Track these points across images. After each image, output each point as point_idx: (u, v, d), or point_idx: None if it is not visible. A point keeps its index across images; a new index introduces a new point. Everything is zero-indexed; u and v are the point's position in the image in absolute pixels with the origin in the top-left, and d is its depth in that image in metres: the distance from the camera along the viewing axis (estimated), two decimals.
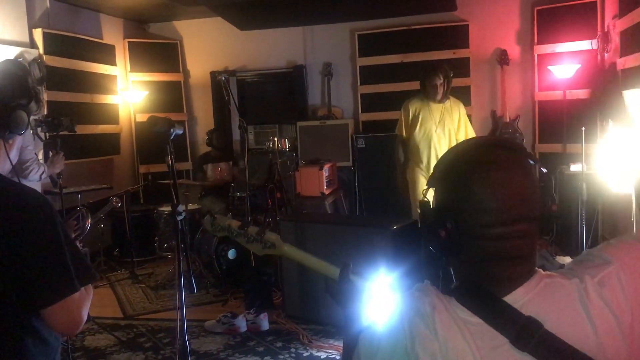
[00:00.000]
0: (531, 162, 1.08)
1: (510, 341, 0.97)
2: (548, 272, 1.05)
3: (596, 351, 0.96)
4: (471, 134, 4.89)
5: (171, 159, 2.38)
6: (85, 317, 1.46)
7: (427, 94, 4.78)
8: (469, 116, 6.54)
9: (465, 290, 1.05)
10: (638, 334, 0.98)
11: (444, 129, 4.79)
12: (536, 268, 1.06)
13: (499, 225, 1.02)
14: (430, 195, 1.15)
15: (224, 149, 6.48)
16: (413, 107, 4.90)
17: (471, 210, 1.03)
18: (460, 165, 1.07)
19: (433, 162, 4.79)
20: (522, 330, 0.96)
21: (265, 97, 7.72)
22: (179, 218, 2.37)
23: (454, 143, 4.77)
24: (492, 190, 1.02)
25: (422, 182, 4.90)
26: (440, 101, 4.77)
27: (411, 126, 4.89)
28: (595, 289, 0.99)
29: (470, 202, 1.03)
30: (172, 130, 2.32)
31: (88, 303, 1.49)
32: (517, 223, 1.02)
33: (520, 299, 1.01)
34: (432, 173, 1.13)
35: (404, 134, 4.95)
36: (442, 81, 4.69)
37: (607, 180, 4.19)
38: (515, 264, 1.04)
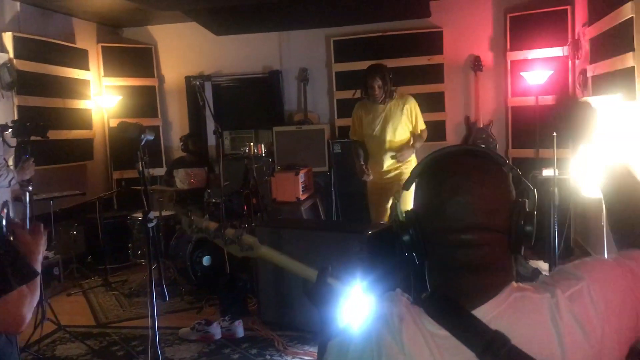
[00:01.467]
0: (508, 171, 1.09)
1: (477, 355, 0.96)
2: (520, 285, 1.04)
3: None
4: (420, 126, 4.88)
5: (142, 165, 2.35)
6: (27, 315, 1.50)
7: (368, 96, 4.80)
8: (443, 121, 6.64)
9: (434, 302, 1.04)
10: (608, 349, 0.98)
11: (389, 128, 4.80)
12: (510, 281, 1.04)
13: (455, 232, 1.02)
14: (408, 198, 1.16)
15: (199, 154, 6.44)
16: (360, 110, 4.95)
17: (431, 215, 1.05)
18: (428, 171, 1.10)
19: (383, 162, 4.87)
20: (488, 344, 0.95)
21: (241, 102, 7.69)
22: (150, 225, 2.34)
23: (406, 139, 4.84)
24: (449, 197, 1.03)
25: (374, 185, 4.95)
26: (382, 102, 4.79)
27: (361, 128, 4.94)
28: (566, 304, 0.98)
29: (431, 208, 1.05)
30: (142, 135, 2.29)
31: (31, 300, 1.51)
32: (475, 231, 1.02)
33: (489, 312, 1.00)
34: (408, 177, 1.15)
35: (356, 137, 5.02)
36: (379, 82, 4.68)
37: (579, 185, 4.25)
38: (478, 275, 1.03)
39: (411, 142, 4.85)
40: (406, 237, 1.09)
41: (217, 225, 1.42)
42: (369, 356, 1.02)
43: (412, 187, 1.16)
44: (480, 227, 1.02)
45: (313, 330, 3.96)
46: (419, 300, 1.06)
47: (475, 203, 1.02)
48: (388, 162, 4.88)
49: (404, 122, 4.82)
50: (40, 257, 1.66)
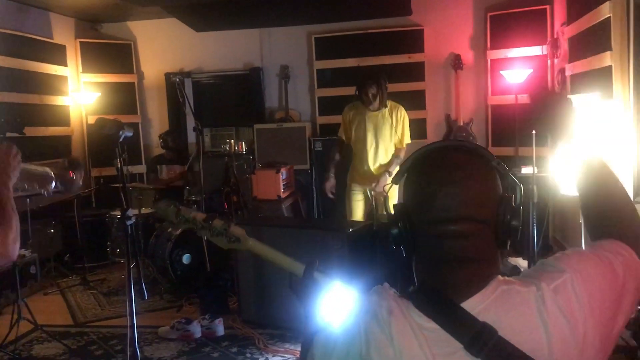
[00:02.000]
0: (495, 166, 1.11)
1: (464, 347, 0.97)
2: (506, 279, 1.06)
3: (547, 359, 0.97)
4: (406, 139, 4.85)
5: (120, 162, 2.32)
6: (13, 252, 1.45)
7: (362, 101, 4.76)
8: (424, 119, 6.67)
9: (422, 294, 1.05)
10: (590, 342, 1.00)
11: (378, 136, 4.77)
12: (496, 274, 1.06)
13: (443, 222, 1.04)
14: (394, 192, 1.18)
15: (178, 151, 6.39)
16: (351, 112, 4.92)
17: (420, 207, 1.07)
18: (416, 165, 1.12)
19: (368, 169, 4.83)
20: (476, 336, 0.97)
21: (221, 100, 7.64)
22: (129, 223, 2.31)
23: (390, 149, 4.83)
24: (436, 188, 1.05)
25: (355, 189, 4.91)
26: (376, 109, 4.76)
27: (349, 130, 4.91)
28: (552, 297, 1.00)
29: (420, 200, 1.07)
30: (121, 132, 2.26)
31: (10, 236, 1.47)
32: (463, 223, 1.04)
33: (477, 305, 1.01)
34: (397, 171, 1.18)
35: (343, 137, 4.98)
36: (375, 91, 4.65)
37: (558, 182, 4.30)
38: (465, 267, 1.04)
39: (389, 166, 4.76)
40: (395, 230, 1.10)
41: (205, 216, 1.41)
42: (357, 349, 1.02)
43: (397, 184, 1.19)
44: (468, 218, 1.04)
45: (293, 328, 3.95)
46: (406, 293, 1.07)
47: (464, 195, 1.04)
48: (372, 169, 4.83)
49: (392, 132, 4.80)
50: (10, 179, 1.55)
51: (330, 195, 5.00)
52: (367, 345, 1.01)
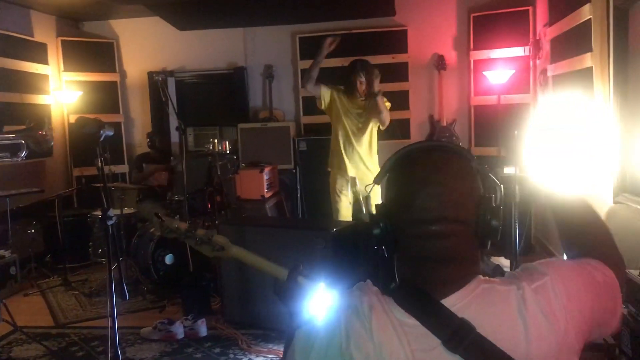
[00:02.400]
0: (476, 167, 1.13)
1: (443, 342, 0.98)
2: (487, 278, 1.08)
3: (524, 357, 0.98)
4: (373, 137, 4.81)
5: (101, 162, 2.29)
6: None
7: (350, 90, 4.70)
8: (407, 119, 6.69)
9: (403, 291, 1.06)
10: (570, 342, 1.01)
11: (362, 124, 4.74)
12: (477, 273, 1.08)
13: (423, 223, 1.05)
14: (376, 193, 1.19)
15: (164, 152, 6.36)
16: (339, 92, 4.78)
17: (401, 207, 1.08)
18: (398, 165, 1.13)
19: (349, 159, 4.77)
20: (454, 332, 0.98)
21: (205, 99, 7.60)
22: (110, 223, 2.29)
23: (374, 136, 4.79)
24: (417, 189, 1.06)
25: (339, 183, 4.86)
26: (361, 98, 4.69)
27: (334, 109, 4.78)
28: (532, 296, 1.01)
29: (402, 200, 1.08)
30: (102, 131, 2.24)
31: None
32: (444, 223, 1.05)
33: (457, 302, 1.02)
34: (379, 171, 1.18)
35: (328, 88, 4.79)
36: (363, 79, 4.61)
37: (534, 185, 4.32)
38: (446, 266, 1.06)
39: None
40: (377, 230, 1.11)
41: (188, 225, 1.43)
42: (337, 343, 1.03)
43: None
44: (448, 219, 1.06)
45: (277, 329, 3.95)
46: (388, 290, 1.08)
47: (444, 195, 1.06)
48: (356, 161, 4.81)
49: (374, 121, 4.74)
50: None
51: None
52: (347, 339, 1.02)
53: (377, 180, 1.19)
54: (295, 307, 1.32)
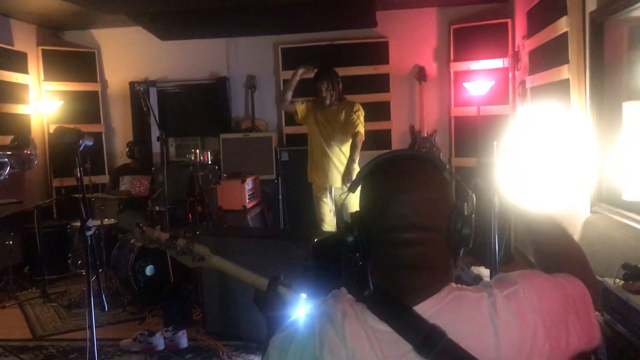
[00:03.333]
0: (448, 176, 1.14)
1: (414, 348, 1.00)
2: (459, 286, 1.10)
3: None
4: (361, 128, 4.88)
5: (80, 172, 2.28)
6: None
7: (318, 99, 4.92)
8: (388, 130, 6.73)
9: (376, 298, 1.08)
10: (539, 349, 1.02)
11: (334, 133, 4.89)
12: (449, 281, 1.09)
13: (397, 230, 1.07)
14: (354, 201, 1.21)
15: (144, 162, 6.32)
16: (311, 104, 5.00)
17: (375, 215, 1.09)
18: (367, 176, 1.15)
19: (322, 166, 4.95)
20: (426, 337, 1.00)
21: (187, 109, 7.59)
22: (89, 233, 2.27)
23: (347, 143, 4.89)
24: (389, 197, 1.08)
25: (320, 192, 5.03)
26: (330, 105, 4.89)
27: (305, 115, 5.00)
28: (503, 302, 1.03)
29: (375, 208, 1.10)
30: (81, 141, 2.23)
31: None
32: (416, 231, 1.07)
33: (429, 309, 1.04)
34: (354, 180, 1.20)
35: (301, 102, 5.01)
36: (326, 85, 4.81)
37: (513, 196, 4.37)
38: (418, 274, 1.07)
39: (352, 157, 4.81)
40: (350, 238, 1.13)
41: (169, 235, 1.43)
42: (311, 350, 1.04)
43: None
44: (421, 226, 1.07)
45: (258, 339, 3.93)
46: (361, 297, 1.09)
47: (417, 203, 1.08)
48: (330, 169, 4.92)
49: (345, 127, 4.87)
50: None
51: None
52: (321, 346, 1.03)
53: (351, 189, 1.21)
54: (274, 317, 1.34)
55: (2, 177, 1.89)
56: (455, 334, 1.00)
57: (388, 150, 1.20)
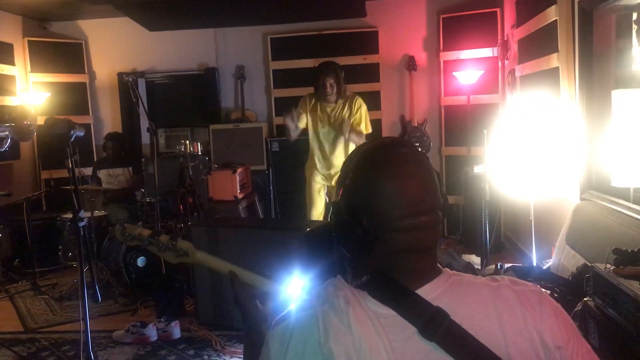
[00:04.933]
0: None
1: (419, 330, 1.00)
2: (456, 272, 1.11)
3: (500, 346, 1.00)
4: (365, 129, 4.89)
5: (72, 162, 2.26)
6: None
7: (319, 94, 4.81)
8: (379, 120, 6.73)
9: (377, 282, 1.08)
10: (538, 339, 1.04)
11: (335, 128, 4.82)
12: (440, 267, 1.11)
13: (410, 216, 1.07)
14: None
15: (119, 154, 6.28)
16: (310, 100, 4.92)
17: (382, 205, 1.08)
18: (365, 165, 1.12)
19: (327, 161, 4.92)
20: (430, 319, 1.00)
21: (176, 100, 7.54)
22: (81, 224, 2.26)
23: (340, 151, 4.88)
24: (398, 184, 1.08)
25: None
26: (332, 100, 4.80)
27: (306, 116, 4.92)
28: (510, 292, 1.05)
29: (380, 198, 1.08)
30: (72, 132, 2.21)
31: None
32: (425, 214, 1.08)
33: (431, 292, 1.05)
34: (340, 174, 1.16)
35: (301, 111, 4.91)
36: (332, 81, 4.69)
37: (503, 184, 4.41)
38: (424, 255, 1.09)
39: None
40: (359, 230, 1.08)
41: (151, 232, 1.42)
42: (315, 338, 1.03)
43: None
44: (434, 208, 1.10)
45: None
46: (360, 283, 1.09)
47: (426, 185, 1.10)
48: (333, 164, 4.91)
49: (352, 120, 4.80)
50: None
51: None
52: (326, 334, 1.02)
53: (340, 184, 1.16)
54: (244, 311, 1.35)
55: (3, 150, 1.90)
56: (459, 316, 1.01)
57: (368, 140, 1.20)
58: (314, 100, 4.91)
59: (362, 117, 4.86)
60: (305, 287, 1.40)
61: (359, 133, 4.80)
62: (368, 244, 1.10)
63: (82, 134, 2.32)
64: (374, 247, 1.10)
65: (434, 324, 1.00)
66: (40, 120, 6.53)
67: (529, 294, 1.07)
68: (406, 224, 1.07)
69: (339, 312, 1.03)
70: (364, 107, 4.88)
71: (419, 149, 1.18)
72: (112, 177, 6.12)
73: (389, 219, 1.07)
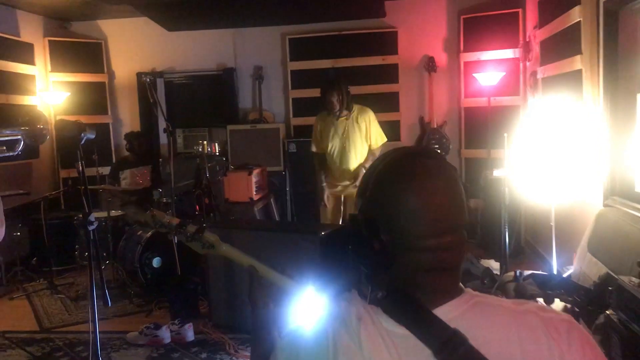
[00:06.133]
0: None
1: (434, 353, 0.94)
2: (478, 293, 1.04)
3: None
4: (381, 140, 4.92)
5: (81, 165, 2.24)
6: None
7: (327, 109, 4.84)
8: (397, 121, 6.66)
9: (393, 300, 1.01)
10: None
11: (349, 142, 4.83)
12: (462, 286, 1.04)
13: (433, 236, 1.00)
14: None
15: (143, 153, 6.26)
16: (320, 121, 5.00)
17: (404, 221, 1.00)
18: (388, 177, 1.05)
19: (341, 175, 4.93)
20: (446, 342, 0.94)
21: (194, 100, 7.55)
22: (91, 228, 2.23)
23: (363, 153, 4.88)
24: (424, 200, 1.00)
25: (331, 195, 5.04)
26: (340, 116, 4.82)
27: (321, 142, 4.99)
28: (537, 320, 0.98)
29: (402, 214, 1.00)
30: (82, 134, 2.18)
31: None
32: (450, 233, 1.01)
33: (450, 312, 0.99)
34: (360, 186, 1.10)
35: (315, 149, 5.07)
36: (337, 97, 4.72)
37: (523, 188, 4.32)
38: (445, 275, 1.02)
39: (365, 162, 4.85)
40: (377, 246, 1.02)
41: (179, 221, 1.41)
42: (324, 355, 1.00)
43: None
44: (459, 226, 1.02)
45: None
46: (375, 299, 1.03)
47: (450, 203, 1.02)
48: (344, 177, 4.92)
49: (361, 137, 4.85)
50: None
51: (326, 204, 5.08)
52: (335, 351, 0.99)
53: (360, 197, 1.09)
54: (258, 311, 1.33)
55: (15, 153, 1.90)
56: (478, 340, 0.94)
57: (392, 149, 1.12)
58: (324, 117, 4.95)
59: (375, 130, 4.90)
60: (321, 293, 1.35)
61: (373, 154, 4.86)
62: (386, 261, 1.03)
63: (92, 136, 2.29)
64: (392, 263, 1.03)
65: (450, 347, 0.93)
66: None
67: (557, 323, 0.99)
68: (428, 243, 1.00)
69: (350, 329, 1.00)
70: (373, 119, 4.90)
71: (443, 158, 1.08)
72: (136, 177, 6.10)
73: (410, 237, 1.00)
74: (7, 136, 1.85)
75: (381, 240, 1.01)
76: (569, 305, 2.79)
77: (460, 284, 1.05)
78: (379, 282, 1.04)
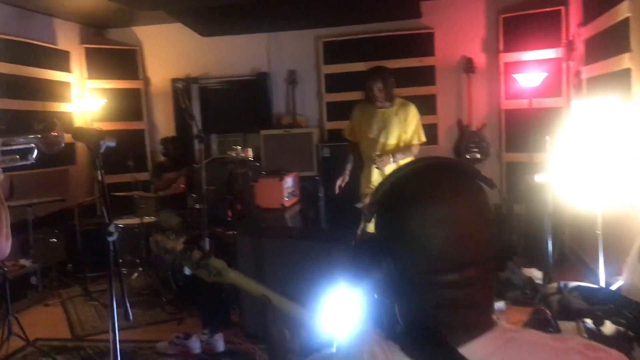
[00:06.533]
0: (484, 186, 0.92)
1: None
2: (511, 326, 0.90)
3: None
4: (418, 138, 4.71)
5: (101, 174, 2.17)
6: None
7: (368, 97, 4.68)
8: (434, 125, 6.48)
9: (412, 336, 0.88)
10: None
11: (388, 134, 4.63)
12: (495, 319, 0.90)
13: (452, 271, 0.85)
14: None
15: (179, 158, 6.24)
16: (359, 111, 4.82)
17: (413, 253, 0.86)
18: (399, 196, 0.89)
19: (368, 174, 4.75)
20: None
21: (228, 105, 7.51)
22: (111, 239, 2.16)
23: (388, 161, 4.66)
24: (438, 231, 0.85)
25: (367, 190, 4.78)
26: (382, 106, 4.64)
27: (359, 131, 4.81)
28: (581, 352, 0.84)
29: (412, 244, 0.86)
30: (101, 142, 2.12)
31: None
32: (473, 266, 0.86)
33: (480, 350, 0.85)
34: (371, 199, 0.95)
35: (350, 137, 4.92)
36: (380, 85, 4.54)
37: (567, 194, 4.10)
38: (471, 313, 0.88)
39: (397, 151, 4.60)
40: (378, 274, 0.89)
41: (183, 246, 1.31)
42: None
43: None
44: (473, 263, 0.86)
45: None
46: (392, 335, 0.90)
47: (479, 228, 0.87)
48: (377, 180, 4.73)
49: (400, 130, 4.64)
50: None
51: (337, 189, 4.91)
52: None
53: (372, 210, 0.95)
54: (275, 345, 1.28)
55: (30, 162, 1.86)
56: None
57: (417, 158, 0.97)
58: (364, 108, 4.79)
59: (416, 127, 4.69)
60: (352, 301, 1.22)
61: (405, 150, 4.62)
62: (400, 291, 0.89)
63: (112, 144, 2.23)
64: (407, 294, 0.89)
65: None
66: (99, 127, 6.67)
67: (594, 346, 0.85)
68: (443, 279, 0.86)
69: None
70: (415, 115, 4.69)
71: (474, 175, 0.92)
72: (179, 182, 6.07)
73: (424, 270, 0.86)
74: (20, 144, 1.80)
75: (391, 267, 0.87)
76: (621, 329, 2.59)
77: (493, 316, 0.90)
78: (399, 314, 0.91)
